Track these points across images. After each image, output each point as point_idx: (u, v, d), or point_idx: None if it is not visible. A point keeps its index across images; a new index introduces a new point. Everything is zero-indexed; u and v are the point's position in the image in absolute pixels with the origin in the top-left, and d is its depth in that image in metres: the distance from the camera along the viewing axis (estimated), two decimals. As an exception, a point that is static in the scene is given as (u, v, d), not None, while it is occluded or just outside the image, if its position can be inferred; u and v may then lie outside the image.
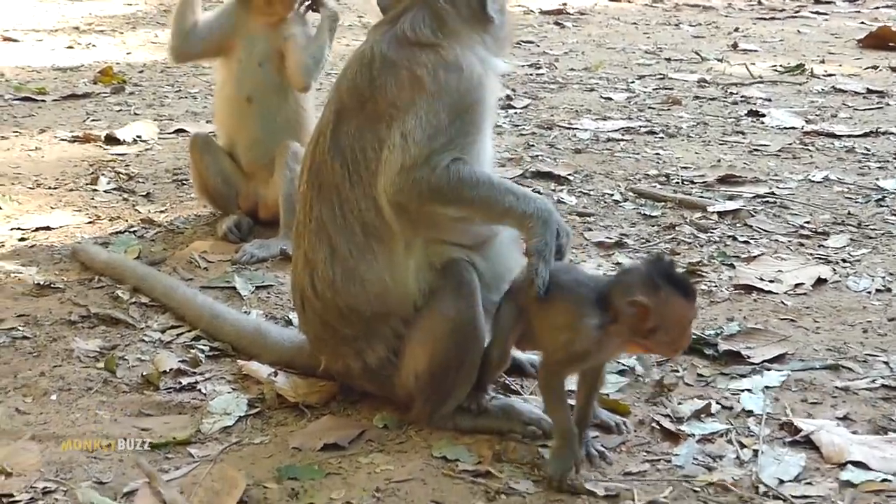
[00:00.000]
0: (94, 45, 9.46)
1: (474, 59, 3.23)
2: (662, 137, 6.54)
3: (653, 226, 5.03)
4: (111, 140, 6.39)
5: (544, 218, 3.13)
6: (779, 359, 3.70)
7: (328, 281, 3.25)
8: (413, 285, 3.22)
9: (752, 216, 5.11)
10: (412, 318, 3.24)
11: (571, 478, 2.96)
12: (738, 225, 5.00)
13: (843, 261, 4.56)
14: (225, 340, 3.82)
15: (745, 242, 4.79)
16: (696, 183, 5.62)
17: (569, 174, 5.73)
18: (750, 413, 3.37)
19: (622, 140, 6.48)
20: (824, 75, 8.27)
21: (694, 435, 3.24)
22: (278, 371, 3.57)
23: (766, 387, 3.52)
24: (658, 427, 3.29)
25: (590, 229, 4.99)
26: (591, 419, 3.18)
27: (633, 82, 8.09)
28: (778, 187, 5.51)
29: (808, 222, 5.02)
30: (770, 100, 7.47)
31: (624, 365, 3.63)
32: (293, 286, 3.42)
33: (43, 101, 7.44)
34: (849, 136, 6.49)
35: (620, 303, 2.92)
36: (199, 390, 3.55)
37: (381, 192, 3.17)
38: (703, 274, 4.41)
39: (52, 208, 5.26)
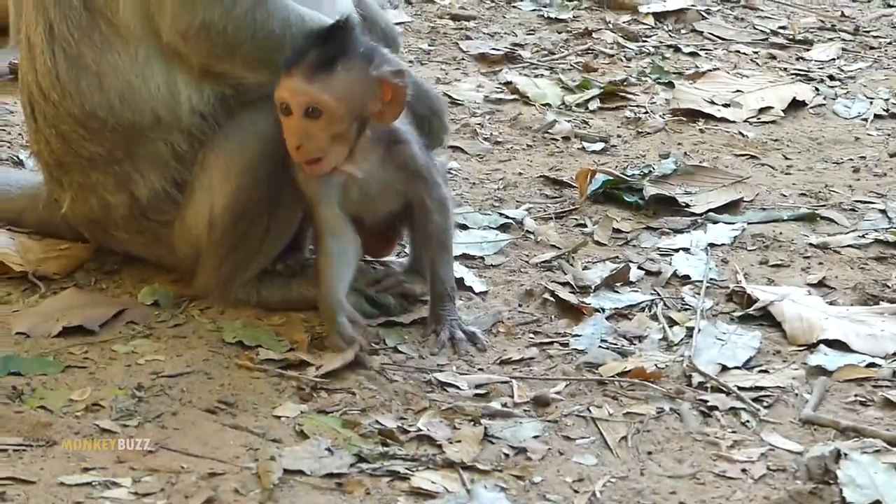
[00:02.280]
0: None
1: None
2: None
3: (560, 32, 5.02)
4: None
5: None
6: (731, 207, 3.74)
7: (49, 72, 3.16)
8: (183, 87, 3.15)
9: (704, 18, 5.11)
10: (201, 133, 3.17)
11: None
12: (682, 31, 5.01)
13: (832, 77, 4.59)
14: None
15: (693, 54, 4.81)
16: (625, -25, 5.62)
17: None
18: (686, 279, 3.40)
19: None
20: None
21: (603, 310, 3.26)
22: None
23: (711, 244, 3.54)
24: (553, 299, 3.30)
25: (468, 37, 4.97)
26: (445, 286, 3.14)
27: None
28: (743, -20, 5.54)
29: (783, 27, 5.04)
30: None
31: (508, 218, 3.63)
32: (21, 89, 3.33)
33: None
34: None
35: None
36: None
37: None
38: (628, 96, 4.41)
39: None
